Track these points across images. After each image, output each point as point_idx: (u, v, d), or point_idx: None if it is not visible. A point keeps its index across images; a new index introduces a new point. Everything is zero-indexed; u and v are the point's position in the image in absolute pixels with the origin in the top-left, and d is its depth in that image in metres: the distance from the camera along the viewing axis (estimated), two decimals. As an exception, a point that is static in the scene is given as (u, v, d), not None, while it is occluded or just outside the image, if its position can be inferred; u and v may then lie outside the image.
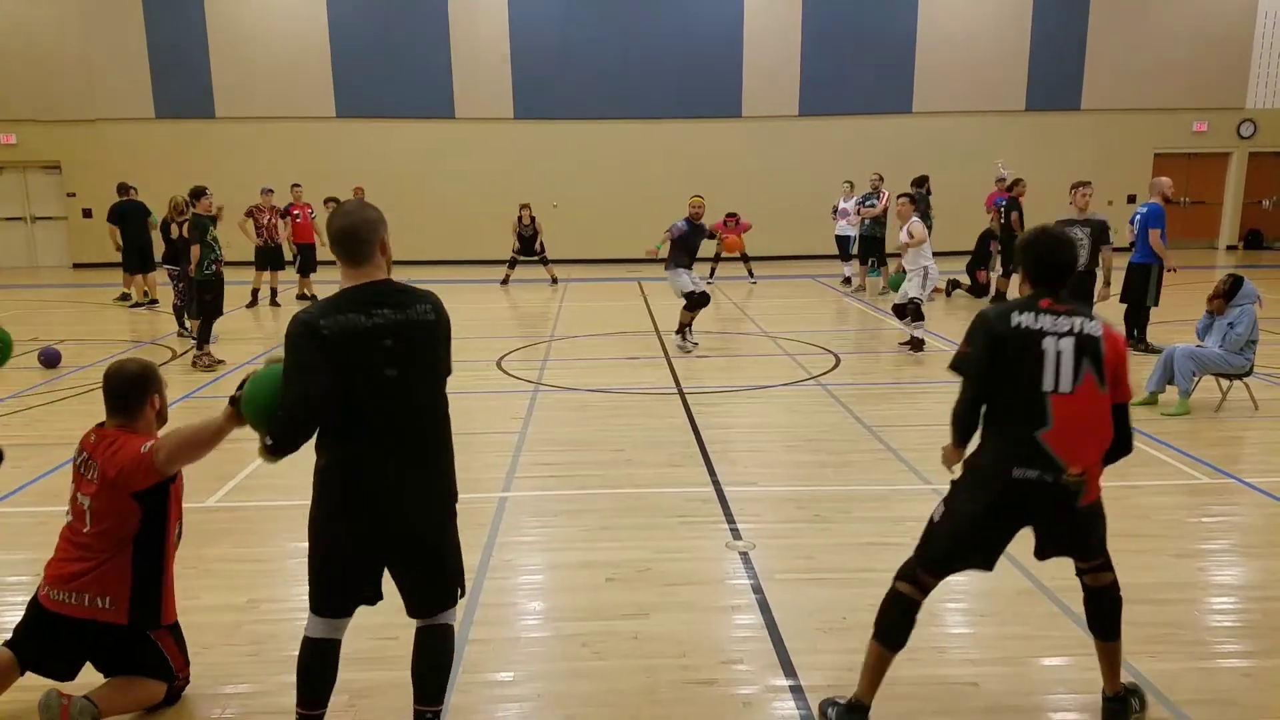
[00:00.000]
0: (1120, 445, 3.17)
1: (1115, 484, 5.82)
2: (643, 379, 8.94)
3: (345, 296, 2.85)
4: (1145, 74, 19.89)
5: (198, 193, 9.75)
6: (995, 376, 3.06)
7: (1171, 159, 20.20)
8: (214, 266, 9.58)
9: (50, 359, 9.60)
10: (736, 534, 5.09)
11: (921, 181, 14.11)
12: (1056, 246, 3.17)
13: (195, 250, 9.54)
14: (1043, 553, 3.24)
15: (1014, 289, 12.84)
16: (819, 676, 3.65)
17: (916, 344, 10.12)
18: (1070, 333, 3.01)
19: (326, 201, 14.52)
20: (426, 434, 2.94)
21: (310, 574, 3.01)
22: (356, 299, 2.84)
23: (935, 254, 14.49)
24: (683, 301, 10.24)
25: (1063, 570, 4.51)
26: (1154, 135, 20.25)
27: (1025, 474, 2.99)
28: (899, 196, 10.56)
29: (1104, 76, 19.92)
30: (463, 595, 3.18)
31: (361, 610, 4.28)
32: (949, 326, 12.01)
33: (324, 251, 15.33)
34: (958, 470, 3.28)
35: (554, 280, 16.45)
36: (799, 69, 19.74)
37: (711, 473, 6.12)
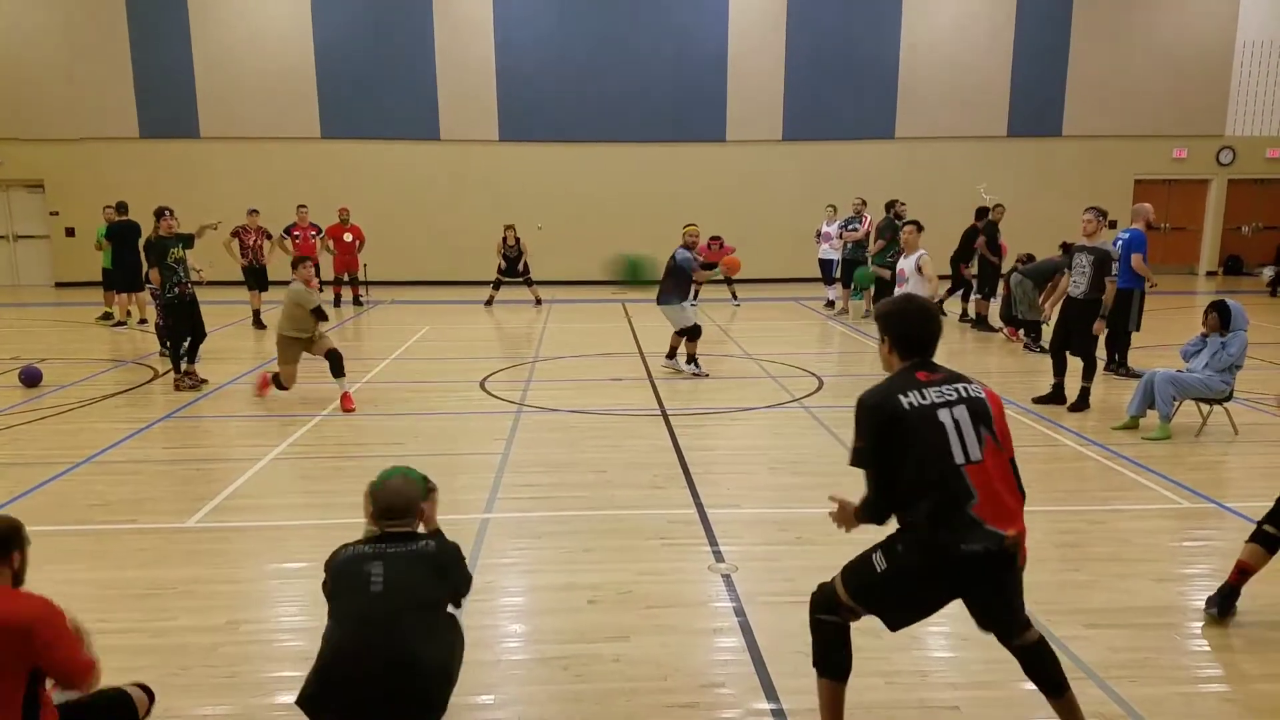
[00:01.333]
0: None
1: (1096, 508, 5.88)
2: (626, 400, 8.94)
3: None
4: (1126, 101, 20.18)
5: (159, 213, 9.63)
6: (899, 462, 2.96)
7: (1152, 185, 20.47)
8: (176, 289, 9.39)
9: (31, 378, 9.51)
10: (719, 556, 5.08)
11: (890, 205, 14.20)
12: (921, 318, 3.14)
13: (155, 273, 9.43)
14: (984, 624, 3.18)
15: (994, 315, 12.95)
16: (801, 700, 3.63)
17: None
18: (960, 399, 2.99)
19: (340, 210, 14.75)
20: None
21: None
22: None
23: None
24: (672, 330, 10.03)
25: (1046, 595, 4.53)
26: (1135, 161, 20.51)
27: (971, 548, 2.91)
28: (905, 224, 9.90)
29: (1085, 103, 20.20)
30: None
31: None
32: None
33: (326, 273, 15.40)
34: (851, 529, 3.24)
35: (538, 301, 16.48)
36: (783, 94, 19.92)
37: (694, 495, 6.11)
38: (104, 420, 8.20)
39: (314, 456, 7.19)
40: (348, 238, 16.04)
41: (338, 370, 8.68)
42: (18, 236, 19.91)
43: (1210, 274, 21.33)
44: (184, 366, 9.52)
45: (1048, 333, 11.68)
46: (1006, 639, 3.17)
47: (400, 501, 3.32)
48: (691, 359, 10.08)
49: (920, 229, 9.60)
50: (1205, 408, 7.68)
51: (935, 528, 2.94)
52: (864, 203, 15.06)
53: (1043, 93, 20.16)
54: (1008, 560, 2.98)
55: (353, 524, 5.63)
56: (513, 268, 16.35)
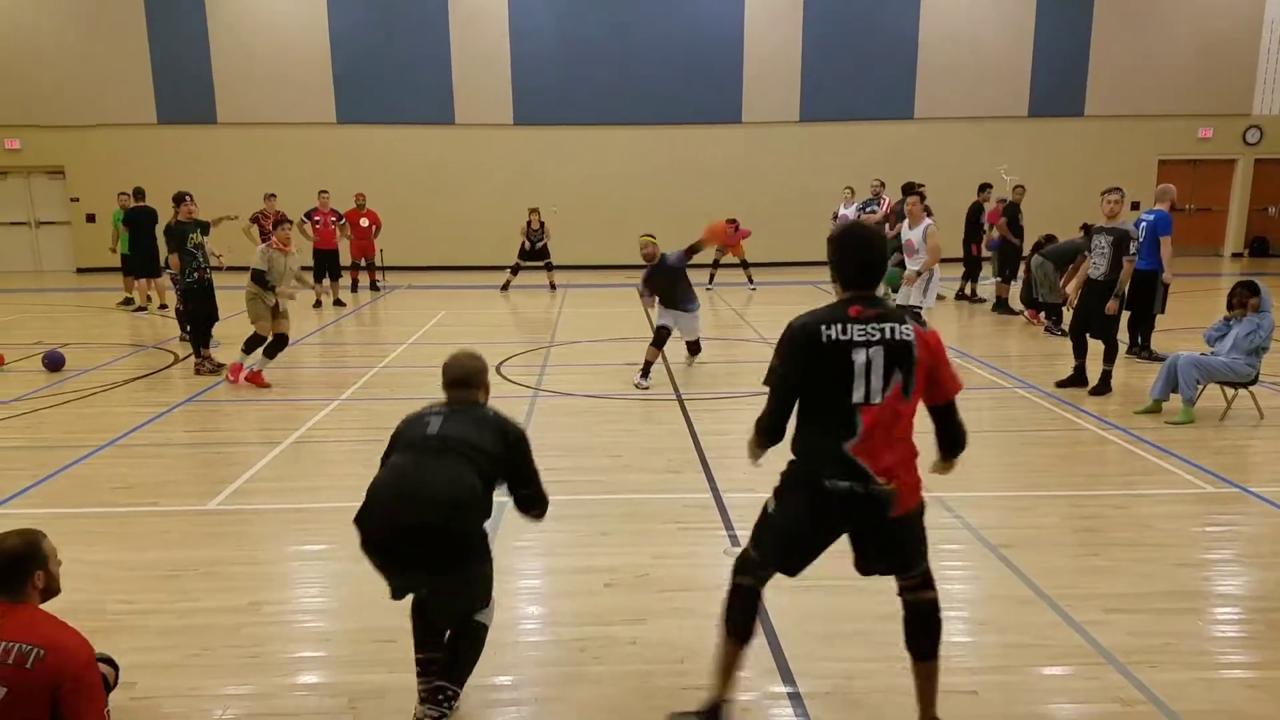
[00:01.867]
0: (952, 441, 3.24)
1: (1118, 493, 5.84)
2: (646, 384, 8.92)
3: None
4: (1149, 80, 19.90)
5: (178, 199, 9.71)
6: (804, 388, 3.04)
7: (1176, 165, 20.20)
8: (195, 274, 9.52)
9: (54, 362, 9.61)
10: (735, 540, 5.08)
11: (910, 188, 14.09)
12: (864, 244, 3.10)
13: (175, 259, 9.55)
14: (863, 567, 3.22)
15: (1014, 297, 12.84)
16: (817, 683, 3.63)
17: None
18: (880, 340, 2.96)
19: (357, 195, 14.84)
20: None
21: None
22: None
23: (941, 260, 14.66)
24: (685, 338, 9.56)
25: (1066, 579, 4.51)
26: (1158, 141, 20.24)
27: (835, 485, 2.98)
28: (909, 195, 10.16)
29: (1108, 82, 19.92)
30: None
31: (362, 612, 4.28)
32: (945, 331, 12.01)
33: (345, 257, 15.47)
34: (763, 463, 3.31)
35: (552, 286, 16.45)
36: (800, 74, 19.76)
37: (710, 479, 6.11)
38: (126, 404, 8.28)
39: (333, 440, 7.24)
40: (364, 223, 16.08)
41: (271, 352, 8.89)
42: (39, 223, 20.09)
43: (1236, 255, 21.06)
44: (203, 351, 9.61)
45: (1069, 316, 11.63)
46: (900, 585, 3.23)
47: (463, 373, 3.69)
48: (646, 368, 8.94)
49: (924, 199, 9.85)
50: (1230, 391, 7.59)
51: (807, 458, 3.07)
52: (882, 184, 14.96)
53: (1064, 72, 19.90)
54: (876, 504, 2.99)
55: (371, 507, 5.67)
56: (534, 251, 16.34)
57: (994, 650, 3.93)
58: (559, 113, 19.62)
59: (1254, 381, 7.47)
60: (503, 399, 8.45)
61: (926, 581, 3.22)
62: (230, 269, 10.90)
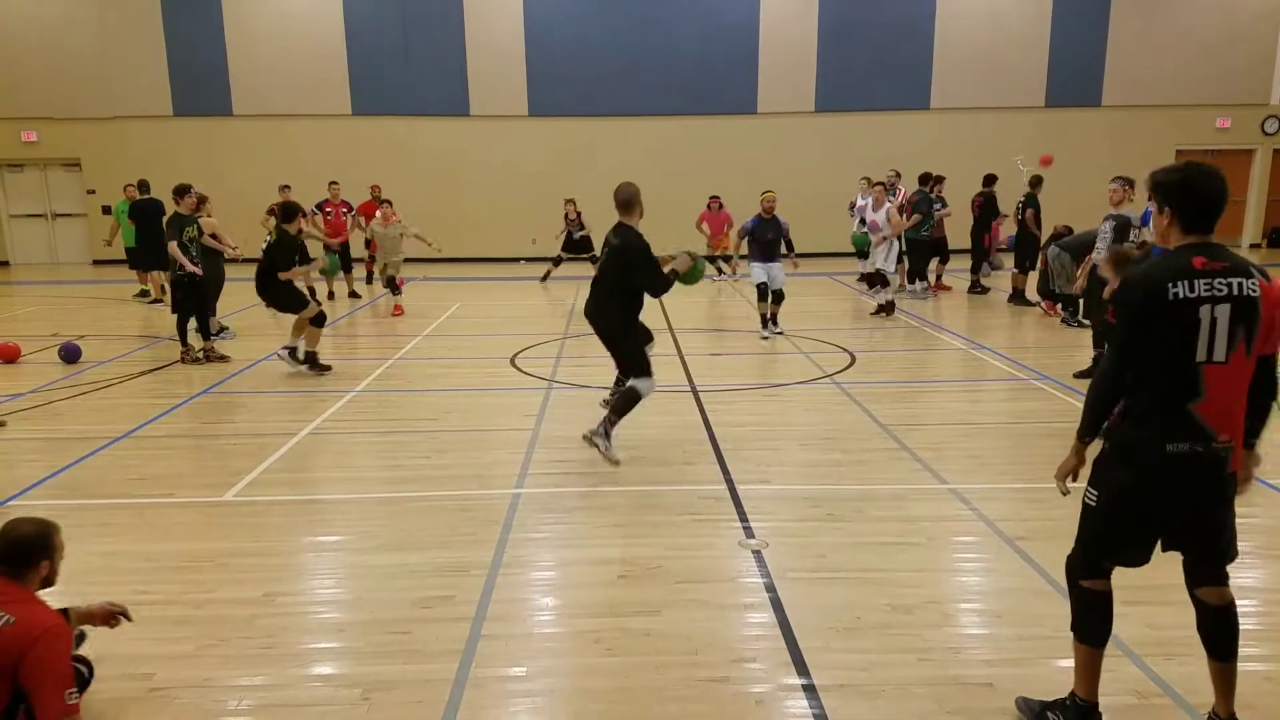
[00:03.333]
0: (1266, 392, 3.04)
1: (1134, 484, 5.78)
2: (656, 377, 8.90)
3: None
4: (1167, 69, 19.70)
5: (181, 190, 9.77)
6: (1145, 349, 2.85)
7: (1194, 155, 19.94)
8: (182, 269, 9.55)
9: (70, 354, 9.68)
10: (749, 532, 5.07)
11: (925, 179, 14.08)
12: (1212, 182, 2.88)
13: (173, 247, 9.54)
14: (1175, 542, 3.11)
15: (1030, 288, 12.76)
16: (831, 676, 3.63)
17: (888, 308, 11.93)
18: (1228, 297, 2.77)
19: (373, 187, 14.96)
20: None
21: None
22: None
23: (952, 251, 14.62)
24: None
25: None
26: (1176, 132, 20.05)
27: (1179, 448, 2.86)
28: (874, 184, 12.87)
29: (1125, 72, 19.74)
30: None
31: (376, 603, 4.30)
32: (961, 323, 11.95)
33: (358, 249, 15.47)
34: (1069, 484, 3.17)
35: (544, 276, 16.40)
36: (815, 65, 19.66)
37: (724, 471, 6.10)
38: (141, 396, 8.33)
39: (348, 432, 7.26)
40: (378, 214, 16.04)
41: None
42: (56, 215, 20.22)
43: (1254, 246, 20.86)
44: (199, 344, 9.72)
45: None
46: (1191, 574, 3.11)
47: (622, 196, 6.46)
48: (764, 321, 11.17)
49: (886, 188, 12.63)
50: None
51: (1150, 421, 2.89)
52: (898, 175, 14.89)
53: (1081, 62, 19.72)
54: (1220, 464, 2.89)
55: (388, 498, 5.70)
56: (573, 243, 16.23)
57: (1010, 642, 3.91)
58: (574, 104, 19.58)
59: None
60: (518, 390, 8.47)
61: (1227, 578, 3.14)
62: (245, 260, 10.96)
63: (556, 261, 16.36)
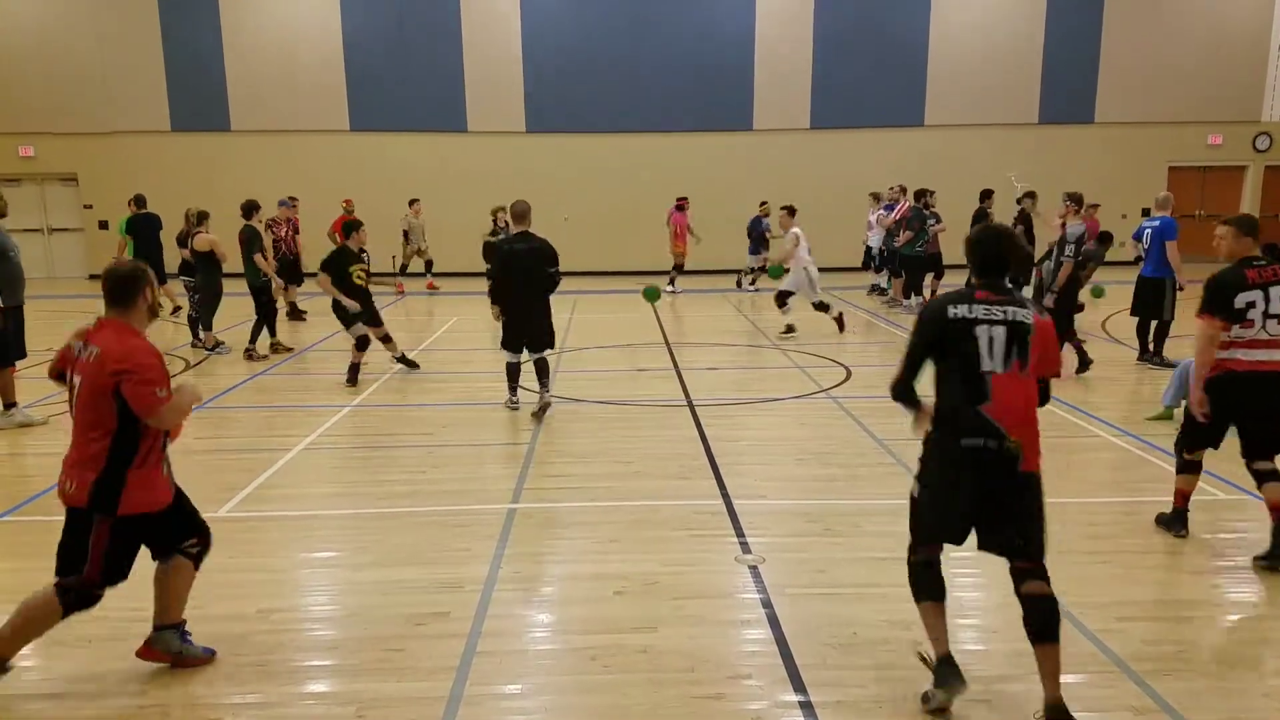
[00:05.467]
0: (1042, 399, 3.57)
1: (1130, 500, 5.80)
2: (652, 391, 8.93)
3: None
4: (1159, 87, 19.83)
5: (250, 207, 11.11)
6: (936, 359, 3.51)
7: (1186, 172, 20.13)
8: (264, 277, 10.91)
9: (65, 369, 9.64)
10: (746, 547, 5.06)
11: (920, 195, 14.19)
12: (993, 241, 3.58)
13: (259, 258, 10.88)
14: (987, 541, 3.54)
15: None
16: (829, 692, 3.61)
17: (789, 329, 11.85)
18: (1003, 321, 3.40)
19: (345, 201, 15.01)
20: None
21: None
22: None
23: (946, 267, 14.67)
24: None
25: (1078, 587, 4.48)
26: (1168, 148, 20.17)
27: (972, 442, 3.35)
28: (780, 208, 12.47)
29: (1118, 89, 19.87)
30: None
31: (370, 619, 4.28)
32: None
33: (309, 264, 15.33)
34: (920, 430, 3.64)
35: None
36: (810, 81, 19.77)
37: (721, 486, 6.09)
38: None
39: (344, 446, 7.25)
40: None
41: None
42: (52, 229, 20.21)
43: None
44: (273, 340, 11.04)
45: (1080, 321, 11.56)
46: (1012, 573, 3.54)
47: (522, 208, 7.73)
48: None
49: (793, 213, 12.19)
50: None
51: (946, 420, 3.47)
52: (903, 190, 15.00)
53: (1074, 79, 19.85)
54: (1009, 462, 3.35)
55: (382, 513, 5.68)
56: None
57: (1006, 659, 3.91)
58: (571, 120, 19.65)
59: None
60: (517, 403, 8.45)
61: (1045, 572, 3.52)
62: (229, 276, 10.95)
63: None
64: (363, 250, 9.76)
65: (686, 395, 8.74)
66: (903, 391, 3.58)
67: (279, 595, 4.60)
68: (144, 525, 3.66)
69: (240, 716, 3.51)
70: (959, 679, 3.45)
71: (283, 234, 13.30)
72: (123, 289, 3.72)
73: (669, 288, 16.57)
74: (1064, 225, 9.59)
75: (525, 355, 8.12)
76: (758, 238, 16.92)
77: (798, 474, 6.48)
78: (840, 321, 12.10)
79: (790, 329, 11.91)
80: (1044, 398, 3.56)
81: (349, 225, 9.74)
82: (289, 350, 11.11)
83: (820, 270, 18.74)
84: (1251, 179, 20.69)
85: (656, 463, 6.61)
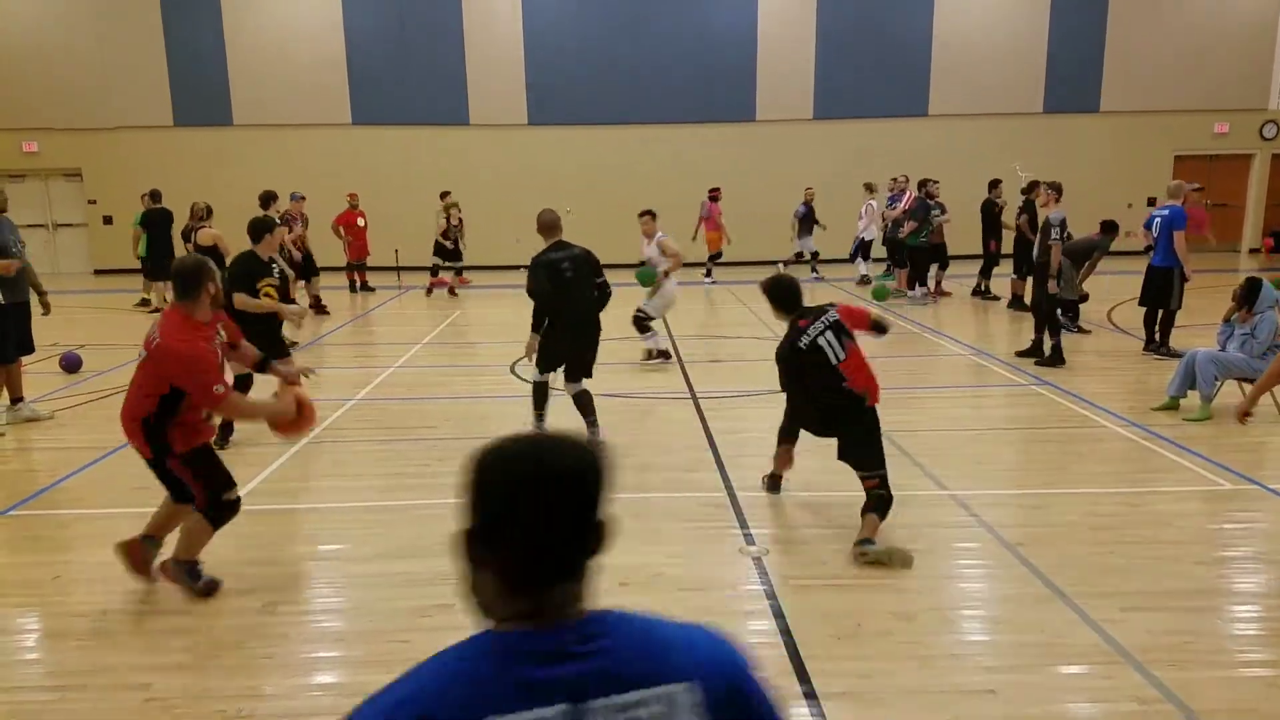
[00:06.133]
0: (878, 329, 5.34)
1: (1135, 490, 5.79)
2: (655, 384, 8.92)
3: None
4: (1165, 75, 19.73)
5: (268, 198, 11.39)
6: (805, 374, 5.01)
7: (1192, 161, 20.03)
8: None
9: (71, 364, 9.68)
10: (750, 539, 5.06)
11: (922, 185, 14.14)
12: (792, 286, 5.22)
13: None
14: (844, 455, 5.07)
15: (1029, 293, 12.75)
16: (833, 684, 3.62)
17: (659, 355, 9.80)
18: (826, 327, 4.95)
19: (349, 195, 14.97)
20: None
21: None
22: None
23: (951, 257, 14.63)
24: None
25: (1083, 576, 4.48)
26: (1174, 137, 20.07)
27: (836, 402, 4.98)
28: (640, 214, 10.22)
29: (1123, 78, 19.77)
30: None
31: (376, 612, 4.29)
32: (961, 328, 11.95)
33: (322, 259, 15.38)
34: None
35: (452, 292, 16.21)
36: (813, 73, 19.70)
37: (725, 478, 6.09)
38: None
39: (348, 440, 7.26)
40: (360, 223, 15.95)
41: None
42: (57, 224, 20.24)
43: (1254, 251, 20.86)
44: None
45: (1085, 311, 11.55)
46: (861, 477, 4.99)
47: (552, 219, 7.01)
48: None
49: (654, 216, 10.18)
50: (1247, 387, 7.51)
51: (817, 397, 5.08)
52: (906, 179, 14.95)
53: (1079, 68, 19.75)
54: (858, 403, 4.98)
55: (388, 506, 5.69)
56: (455, 251, 16.36)
57: (1011, 649, 3.91)
58: (573, 113, 19.61)
59: (1272, 378, 7.38)
60: (517, 398, 8.46)
61: (884, 482, 4.93)
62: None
63: (435, 271, 16.14)
64: (273, 260, 6.99)
65: (690, 387, 8.73)
66: (794, 424, 5.47)
67: (285, 588, 4.61)
68: (205, 450, 4.37)
69: (245, 709, 3.53)
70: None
71: (295, 228, 13.25)
72: (187, 282, 4.21)
73: (707, 279, 16.62)
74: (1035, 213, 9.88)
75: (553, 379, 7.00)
76: (806, 222, 16.90)
77: (801, 465, 6.45)
78: (658, 354, 9.89)
79: (664, 355, 9.89)
80: (882, 330, 5.32)
81: (259, 224, 6.99)
82: (294, 344, 11.08)
83: (824, 262, 18.89)
84: (1258, 167, 20.58)
85: (660, 455, 6.61)
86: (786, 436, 5.56)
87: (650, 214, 10.25)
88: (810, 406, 5.06)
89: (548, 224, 7.08)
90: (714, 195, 16.77)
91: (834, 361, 4.84)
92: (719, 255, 16.89)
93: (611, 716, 1.16)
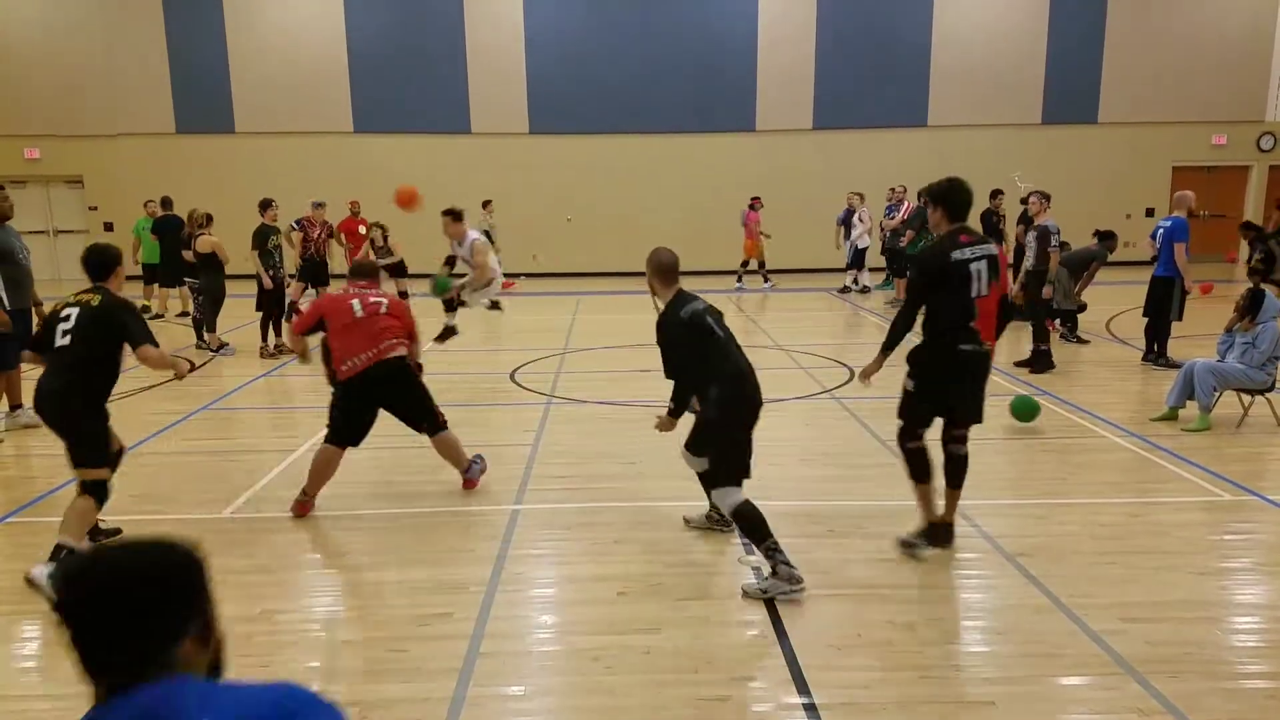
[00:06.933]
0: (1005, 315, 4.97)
1: (1135, 501, 5.78)
2: (655, 392, 8.88)
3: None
4: (1163, 87, 19.79)
5: (265, 204, 11.35)
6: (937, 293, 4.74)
7: (1190, 172, 20.07)
8: (271, 273, 10.99)
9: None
10: (749, 549, 5.05)
11: (922, 194, 14.18)
12: (967, 190, 4.91)
13: (255, 257, 11.02)
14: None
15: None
16: (832, 694, 3.61)
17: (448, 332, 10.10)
18: (983, 257, 4.70)
19: (351, 203, 14.88)
20: None
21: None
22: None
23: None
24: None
25: (1083, 587, 4.47)
26: (1172, 148, 20.12)
27: (965, 348, 4.70)
28: (443, 213, 9.57)
29: (1121, 89, 19.83)
30: None
31: (373, 621, 4.28)
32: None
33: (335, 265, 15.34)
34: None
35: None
36: (813, 82, 19.76)
37: (725, 487, 6.07)
38: (140, 412, 8.32)
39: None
40: (362, 230, 15.91)
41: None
42: (58, 231, 20.26)
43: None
44: (272, 340, 11.08)
45: (1083, 321, 11.56)
46: (949, 436, 4.96)
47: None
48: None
49: (458, 219, 9.44)
50: (1246, 398, 7.52)
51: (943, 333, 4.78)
52: (905, 189, 15.02)
53: (1078, 79, 19.81)
54: (985, 358, 4.80)
55: (385, 514, 5.68)
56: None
57: (1011, 660, 3.90)
58: (574, 122, 19.66)
59: (1271, 389, 7.41)
60: (516, 406, 8.46)
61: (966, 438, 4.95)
62: (245, 276, 10.95)
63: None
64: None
65: (690, 396, 8.72)
66: (906, 326, 4.88)
67: (283, 597, 4.60)
68: None
69: (244, 718, 3.51)
70: (949, 538, 4.89)
71: (315, 235, 12.73)
72: (375, 274, 5.76)
73: (765, 284, 17.02)
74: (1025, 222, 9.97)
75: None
76: (846, 227, 17.04)
77: (801, 475, 6.47)
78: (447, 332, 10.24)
79: (449, 331, 10.19)
80: (1009, 309, 5.08)
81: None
82: (291, 352, 11.07)
83: (818, 272, 18.93)
84: (1256, 179, 20.63)
85: (659, 463, 6.60)
86: (915, 469, 4.99)
87: (452, 213, 9.43)
88: (935, 345, 4.73)
89: (667, 267, 4.88)
90: (754, 204, 16.92)
91: (974, 294, 4.62)
92: (748, 264, 17.12)
93: None
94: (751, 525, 4.49)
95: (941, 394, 4.80)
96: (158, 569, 1.37)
